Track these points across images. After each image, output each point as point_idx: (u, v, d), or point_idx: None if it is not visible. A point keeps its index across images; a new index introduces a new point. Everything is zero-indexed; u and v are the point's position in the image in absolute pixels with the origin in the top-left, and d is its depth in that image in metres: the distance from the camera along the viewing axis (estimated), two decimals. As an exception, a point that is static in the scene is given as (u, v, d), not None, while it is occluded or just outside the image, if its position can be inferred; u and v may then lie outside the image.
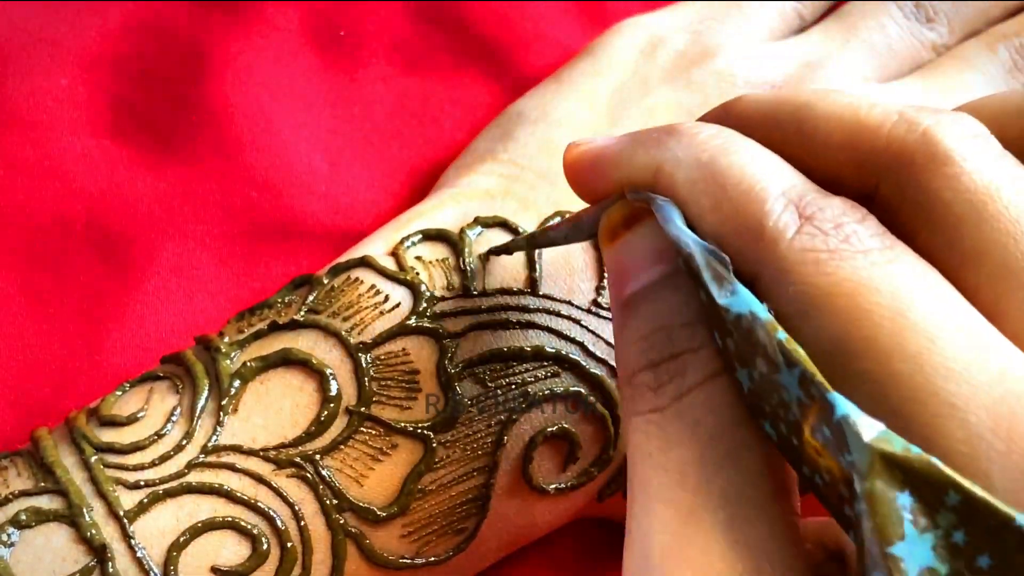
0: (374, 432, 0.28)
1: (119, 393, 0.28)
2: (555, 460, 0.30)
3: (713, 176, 0.21)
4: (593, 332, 0.30)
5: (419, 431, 0.28)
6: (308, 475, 0.27)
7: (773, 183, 0.21)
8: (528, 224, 0.31)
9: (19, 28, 0.38)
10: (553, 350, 0.29)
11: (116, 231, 0.36)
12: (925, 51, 0.37)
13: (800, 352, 0.19)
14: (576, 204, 0.32)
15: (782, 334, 0.19)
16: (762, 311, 0.19)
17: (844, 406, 0.18)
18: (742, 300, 0.20)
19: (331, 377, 0.28)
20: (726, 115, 0.24)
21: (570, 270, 0.30)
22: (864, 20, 0.37)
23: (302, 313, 0.29)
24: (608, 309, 0.30)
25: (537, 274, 0.30)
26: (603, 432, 0.30)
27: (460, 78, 0.41)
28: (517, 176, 0.32)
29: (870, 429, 0.18)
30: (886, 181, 0.22)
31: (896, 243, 0.20)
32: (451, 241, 0.30)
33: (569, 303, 0.30)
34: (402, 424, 0.28)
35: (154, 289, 0.35)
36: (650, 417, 0.21)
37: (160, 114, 0.38)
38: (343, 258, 0.30)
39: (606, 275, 0.23)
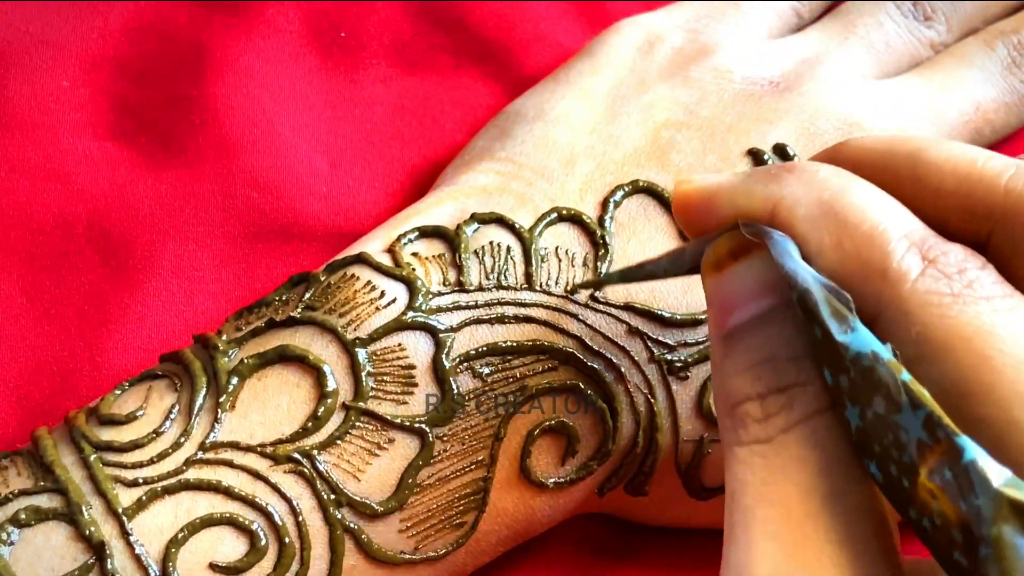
0: (371, 427, 0.28)
1: (118, 392, 0.29)
2: (554, 454, 0.30)
3: (835, 214, 0.22)
4: (591, 326, 0.30)
5: (416, 426, 0.28)
6: (305, 470, 0.27)
7: (895, 225, 0.22)
8: (525, 220, 0.31)
9: (20, 30, 0.38)
10: (550, 344, 0.29)
11: (117, 232, 0.36)
12: (923, 49, 0.37)
13: (926, 394, 0.19)
14: (572, 202, 0.32)
15: (907, 375, 0.19)
16: (885, 351, 0.20)
17: (972, 450, 0.18)
18: (863, 339, 0.20)
19: (328, 372, 0.28)
20: (837, 156, 0.25)
21: (568, 265, 0.30)
22: (862, 18, 0.37)
23: (299, 310, 0.29)
24: (605, 304, 0.30)
25: (534, 269, 0.30)
26: (601, 426, 0.30)
27: (460, 78, 0.41)
28: (515, 173, 0.32)
29: (999, 475, 0.18)
30: (1000, 231, 0.22)
31: (1016, 292, 0.21)
32: (447, 237, 0.30)
33: (566, 298, 0.30)
34: (399, 419, 0.28)
35: (155, 290, 0.35)
36: (755, 448, 0.22)
37: (161, 115, 0.38)
38: (340, 256, 0.30)
39: (706, 306, 0.24)
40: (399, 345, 0.28)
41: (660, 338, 0.31)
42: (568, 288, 0.30)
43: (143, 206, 0.36)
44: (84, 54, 0.38)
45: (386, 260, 0.30)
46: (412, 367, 0.28)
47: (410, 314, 0.29)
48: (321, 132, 0.38)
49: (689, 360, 0.31)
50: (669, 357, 0.31)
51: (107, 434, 0.27)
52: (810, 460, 0.21)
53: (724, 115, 0.33)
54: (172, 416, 0.27)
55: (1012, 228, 0.22)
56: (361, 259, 0.30)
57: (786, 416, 0.21)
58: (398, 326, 0.28)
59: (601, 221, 0.31)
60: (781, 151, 0.33)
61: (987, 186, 0.23)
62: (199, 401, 0.28)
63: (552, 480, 0.30)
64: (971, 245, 0.22)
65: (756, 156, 0.32)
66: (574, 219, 0.31)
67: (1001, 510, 0.18)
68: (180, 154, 0.37)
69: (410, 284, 0.29)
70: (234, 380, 0.28)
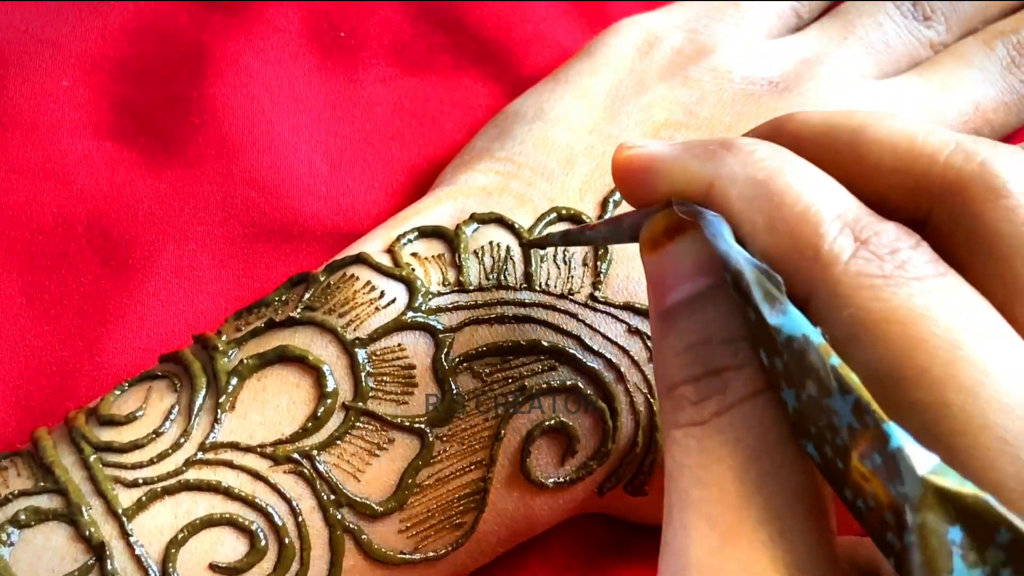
0: (371, 427, 0.28)
1: (118, 393, 0.29)
2: (553, 454, 0.30)
3: (769, 195, 0.21)
4: (590, 326, 0.30)
5: (416, 426, 0.28)
6: (305, 471, 0.27)
7: (829, 206, 0.21)
8: (524, 220, 0.31)
9: (20, 30, 0.38)
10: (550, 344, 0.29)
11: (117, 232, 0.36)
12: (923, 49, 0.37)
13: (855, 379, 0.19)
14: (571, 202, 0.32)
15: (836, 359, 0.19)
16: (815, 335, 0.19)
17: (899, 437, 0.18)
18: (795, 322, 0.20)
19: (328, 373, 0.28)
20: (777, 132, 0.24)
21: (568, 264, 0.30)
22: (861, 18, 0.37)
23: (299, 310, 0.29)
24: (605, 303, 0.30)
25: (533, 268, 0.30)
26: (601, 425, 0.30)
27: (460, 79, 0.41)
28: (514, 173, 0.32)
29: (925, 462, 0.18)
30: (940, 208, 0.22)
31: (949, 271, 0.20)
32: (447, 237, 0.30)
33: (566, 297, 0.30)
34: (399, 419, 0.28)
35: (155, 290, 0.35)
36: (690, 431, 0.21)
37: (161, 116, 0.38)
38: (340, 256, 0.30)
39: (646, 283, 0.24)
40: (399, 345, 0.28)
41: None
42: (568, 289, 0.30)
43: (143, 206, 0.36)
44: (84, 54, 0.38)
45: (386, 260, 0.30)
46: (412, 367, 0.28)
47: (410, 314, 0.29)
48: (321, 132, 0.38)
49: None
50: None
51: (107, 434, 0.27)
52: (744, 442, 0.20)
53: (723, 115, 0.33)
54: (172, 416, 0.27)
55: (950, 206, 0.22)
56: (360, 259, 0.30)
57: (719, 400, 0.21)
58: (398, 326, 0.28)
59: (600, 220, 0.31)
60: None
61: (926, 163, 0.22)
62: (199, 401, 0.28)
63: (552, 480, 0.30)
64: (911, 223, 0.22)
65: None
66: (574, 219, 0.31)
67: (926, 497, 0.17)
68: (180, 154, 0.37)
69: (410, 284, 0.29)
70: (234, 381, 0.28)
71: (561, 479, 0.30)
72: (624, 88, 0.34)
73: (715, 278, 0.22)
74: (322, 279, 0.30)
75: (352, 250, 0.31)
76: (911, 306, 0.19)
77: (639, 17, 0.37)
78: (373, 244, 0.30)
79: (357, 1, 0.40)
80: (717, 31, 0.36)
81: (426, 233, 0.30)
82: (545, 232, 0.31)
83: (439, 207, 0.31)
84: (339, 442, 0.28)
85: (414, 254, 0.30)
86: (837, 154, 0.23)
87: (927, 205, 0.22)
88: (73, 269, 0.35)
